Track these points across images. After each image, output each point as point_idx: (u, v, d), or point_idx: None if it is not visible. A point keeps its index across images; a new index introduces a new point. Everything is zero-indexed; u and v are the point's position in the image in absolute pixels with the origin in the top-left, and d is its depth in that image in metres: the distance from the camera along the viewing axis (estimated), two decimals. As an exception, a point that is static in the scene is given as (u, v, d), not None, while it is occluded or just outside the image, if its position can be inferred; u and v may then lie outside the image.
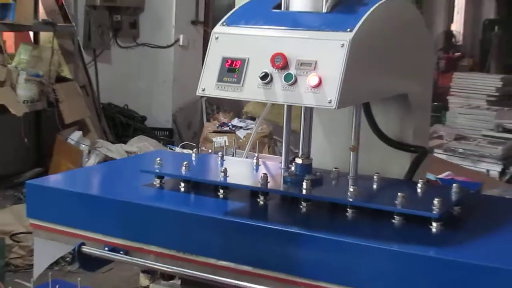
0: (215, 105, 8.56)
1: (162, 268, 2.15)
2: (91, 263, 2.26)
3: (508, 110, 9.36)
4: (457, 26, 17.51)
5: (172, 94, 8.41)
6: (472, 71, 13.76)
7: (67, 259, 4.82)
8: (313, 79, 1.92)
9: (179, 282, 2.23)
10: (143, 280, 2.38)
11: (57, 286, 3.08)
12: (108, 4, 8.04)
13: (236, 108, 8.28)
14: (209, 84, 2.06)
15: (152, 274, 2.32)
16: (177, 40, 8.43)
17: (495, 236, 2.09)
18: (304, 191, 2.15)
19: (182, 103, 8.48)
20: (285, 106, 2.35)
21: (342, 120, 2.42)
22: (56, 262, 4.74)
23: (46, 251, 2.52)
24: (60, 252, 2.54)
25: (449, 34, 16.14)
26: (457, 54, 15.83)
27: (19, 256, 4.96)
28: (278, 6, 2.19)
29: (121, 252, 2.19)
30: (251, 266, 2.01)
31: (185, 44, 8.42)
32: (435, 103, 11.56)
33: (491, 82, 10.32)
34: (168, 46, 8.44)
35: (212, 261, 2.06)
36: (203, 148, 6.78)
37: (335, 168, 2.43)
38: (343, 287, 1.91)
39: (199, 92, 2.09)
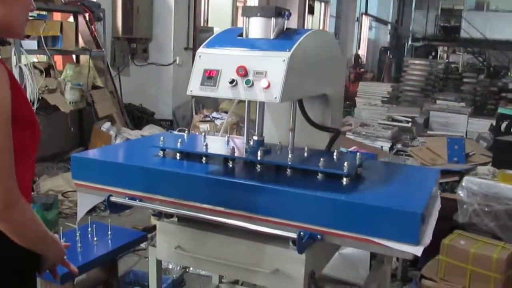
0: (201, 104, 8.51)
1: (165, 209, 2.14)
2: (117, 209, 2.23)
3: (395, 107, 9.45)
4: (363, 51, 17.59)
5: (172, 97, 8.34)
6: (372, 81, 13.86)
7: (102, 208, 4.77)
8: (264, 83, 1.92)
9: (176, 219, 2.22)
10: (153, 220, 2.36)
11: (94, 225, 3.08)
12: (127, 36, 7.93)
13: (215, 105, 8.25)
14: (195, 87, 2.04)
15: (159, 215, 2.29)
16: (175, 60, 8.35)
17: (385, 187, 2.13)
18: (258, 158, 2.16)
19: (178, 102, 8.42)
20: (246, 102, 2.35)
21: (284, 110, 2.41)
22: (94, 210, 4.71)
23: (85, 202, 2.50)
24: (95, 202, 2.52)
25: (357, 56, 16.20)
26: (362, 70, 15.89)
27: (68, 207, 4.90)
28: (241, 34, 2.17)
29: (137, 200, 2.18)
30: (223, 207, 2.02)
31: (180, 63, 8.35)
32: (347, 102, 11.62)
33: (384, 88, 10.39)
34: (169, 65, 8.35)
35: (198, 204, 2.06)
36: (193, 132, 6.77)
37: (279, 142, 2.44)
38: (285, 220, 1.92)
39: (188, 92, 2.07)
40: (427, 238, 1.84)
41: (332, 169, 2.05)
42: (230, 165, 2.22)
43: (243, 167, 2.25)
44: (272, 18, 2.09)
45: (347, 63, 15.31)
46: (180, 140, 2.36)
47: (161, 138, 2.39)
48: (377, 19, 18.23)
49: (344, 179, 2.02)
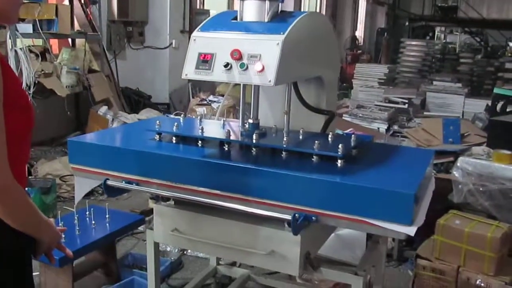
0: (198, 87, 8.49)
1: (161, 193, 2.15)
2: (114, 192, 2.24)
3: (392, 88, 9.43)
4: (360, 32, 17.50)
5: (169, 80, 8.32)
6: (369, 63, 13.81)
7: (99, 191, 4.79)
8: (258, 66, 1.92)
9: (173, 202, 2.23)
10: (151, 203, 2.37)
11: (92, 209, 3.11)
12: (123, 19, 7.88)
13: (212, 88, 8.23)
14: (190, 71, 2.05)
15: (156, 199, 2.29)
16: (171, 44, 8.31)
17: (379, 169, 2.12)
18: (254, 141, 2.17)
19: (175, 86, 8.40)
20: (241, 85, 2.33)
21: (279, 93, 2.41)
22: (92, 194, 4.74)
23: (82, 186, 2.50)
24: (92, 186, 2.52)
25: (354, 38, 16.13)
26: (359, 51, 15.84)
27: (66, 191, 4.92)
28: (235, 18, 2.17)
29: (134, 183, 2.19)
30: (219, 190, 2.03)
31: (176, 46, 8.31)
32: (344, 84, 11.64)
33: (381, 69, 10.35)
34: (165, 48, 8.32)
35: (194, 187, 2.07)
36: (189, 115, 6.77)
37: (275, 125, 2.45)
38: (280, 202, 1.94)
39: (183, 76, 2.07)
40: (421, 219, 1.86)
41: (327, 151, 2.06)
42: (226, 149, 2.22)
43: (238, 150, 2.26)
44: (266, 1, 2.08)
45: (344, 44, 15.26)
46: (176, 124, 2.36)
47: (157, 122, 2.39)
48: (374, 0, 18.09)
49: (339, 161, 2.03)
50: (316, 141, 2.06)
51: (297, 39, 2.04)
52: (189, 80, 7.95)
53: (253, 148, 2.19)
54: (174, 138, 2.34)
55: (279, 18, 2.11)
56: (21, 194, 1.49)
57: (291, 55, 1.99)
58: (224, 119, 2.64)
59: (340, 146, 2.02)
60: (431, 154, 2.46)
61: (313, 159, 2.07)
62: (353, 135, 2.29)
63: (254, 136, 2.17)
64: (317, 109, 2.45)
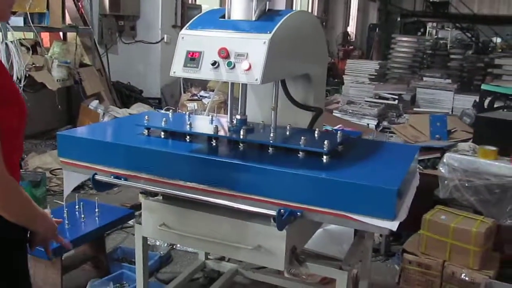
0: (189, 82, 8.49)
1: (149, 188, 2.17)
2: (102, 187, 2.25)
3: (382, 84, 9.47)
4: (351, 28, 17.51)
5: (160, 75, 8.30)
6: (361, 59, 13.85)
7: (90, 185, 4.80)
8: (245, 65, 1.94)
9: (161, 197, 2.26)
10: (141, 197, 2.38)
11: (81, 203, 3.13)
12: (114, 13, 7.86)
13: (203, 84, 8.24)
14: (178, 68, 2.07)
15: (147, 194, 2.31)
16: (162, 38, 8.30)
17: (364, 165, 2.15)
18: (241, 136, 2.19)
19: (167, 81, 8.39)
20: (229, 83, 2.36)
21: (267, 89, 2.42)
22: (82, 188, 4.75)
23: (71, 180, 2.52)
24: (80, 180, 2.54)
25: (345, 34, 16.14)
26: (351, 47, 15.86)
27: (56, 184, 4.93)
28: (223, 16, 2.19)
29: (122, 178, 2.21)
30: (206, 185, 2.05)
31: (168, 41, 8.29)
32: (336, 80, 11.67)
33: (371, 66, 10.39)
34: (157, 42, 8.30)
35: (181, 182, 2.10)
36: (179, 110, 6.78)
37: (262, 121, 2.48)
38: (265, 197, 1.96)
39: (171, 74, 2.09)
40: (403, 213, 1.90)
41: (312, 147, 2.09)
42: (214, 144, 2.24)
43: (226, 146, 2.28)
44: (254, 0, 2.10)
45: (336, 40, 15.27)
46: (164, 119, 2.38)
47: (146, 117, 2.41)
48: (366, -4, 18.12)
49: (324, 157, 2.06)
50: (302, 137, 2.08)
51: (284, 38, 2.06)
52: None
53: (241, 144, 2.21)
54: (162, 133, 2.36)
55: (266, 17, 2.13)
56: (15, 187, 1.50)
57: (278, 53, 2.01)
58: (214, 114, 2.66)
59: (325, 142, 2.04)
60: (416, 150, 2.49)
61: (299, 155, 2.10)
62: (339, 132, 2.32)
63: (241, 132, 2.19)
64: (304, 105, 2.48)
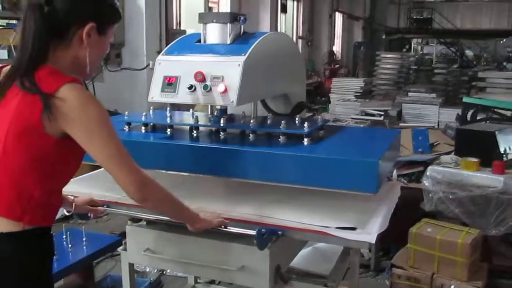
0: (177, 107, 8.52)
1: (130, 213, 2.17)
2: (84, 215, 2.26)
3: (368, 101, 9.56)
4: (337, 47, 17.71)
5: (147, 101, 8.31)
6: (347, 76, 13.98)
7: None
8: (221, 87, 1.98)
9: (144, 222, 2.26)
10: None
11: (68, 232, 3.12)
12: (99, 42, 7.95)
13: (190, 108, 8.29)
14: (156, 93, 2.12)
15: (133, 221, 2.29)
16: (148, 65, 8.33)
17: (345, 144, 2.21)
18: (221, 124, 2.19)
19: (154, 107, 8.40)
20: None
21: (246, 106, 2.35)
22: (71, 217, 4.72)
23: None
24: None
25: (331, 53, 16.31)
26: (337, 65, 16.03)
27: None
28: (199, 41, 2.24)
29: (104, 205, 2.19)
30: (188, 172, 2.09)
31: (153, 67, 8.35)
32: (323, 98, 11.77)
33: (357, 83, 10.47)
34: (142, 69, 8.37)
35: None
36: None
37: (243, 112, 2.44)
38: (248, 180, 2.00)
39: (149, 99, 2.14)
40: (383, 226, 1.92)
41: (293, 129, 2.11)
42: (194, 134, 2.25)
43: (207, 135, 2.28)
44: (228, 23, 2.16)
45: (322, 59, 15.42)
46: (144, 113, 2.50)
47: (126, 112, 2.46)
48: (349, 16, 18.36)
49: (305, 139, 2.07)
50: (283, 122, 2.10)
51: (259, 59, 2.10)
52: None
53: (221, 132, 2.21)
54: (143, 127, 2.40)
55: (241, 40, 2.18)
56: (162, 187, 1.67)
57: (253, 75, 2.05)
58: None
59: (305, 124, 2.08)
60: (397, 133, 2.51)
61: (279, 139, 2.10)
62: (319, 117, 2.36)
63: (221, 121, 2.18)
64: (285, 115, 2.49)
